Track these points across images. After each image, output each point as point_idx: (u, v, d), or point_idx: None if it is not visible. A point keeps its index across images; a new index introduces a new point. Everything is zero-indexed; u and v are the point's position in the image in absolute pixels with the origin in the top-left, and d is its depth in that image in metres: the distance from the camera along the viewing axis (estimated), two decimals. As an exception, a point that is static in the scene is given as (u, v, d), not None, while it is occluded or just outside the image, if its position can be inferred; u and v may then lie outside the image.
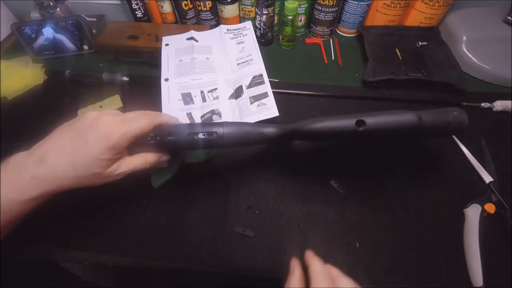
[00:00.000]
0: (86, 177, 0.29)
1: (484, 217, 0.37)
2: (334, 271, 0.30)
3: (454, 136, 0.46)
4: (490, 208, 0.37)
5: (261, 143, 0.37)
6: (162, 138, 0.33)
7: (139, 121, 0.31)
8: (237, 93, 0.49)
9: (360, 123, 0.31)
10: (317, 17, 0.61)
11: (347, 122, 0.32)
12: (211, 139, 0.33)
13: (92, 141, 0.28)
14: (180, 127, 0.34)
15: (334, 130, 0.33)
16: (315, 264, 0.31)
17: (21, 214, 0.30)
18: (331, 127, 0.33)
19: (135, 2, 0.62)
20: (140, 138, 0.31)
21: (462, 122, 0.35)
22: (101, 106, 0.52)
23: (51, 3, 0.61)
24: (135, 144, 0.31)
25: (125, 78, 0.54)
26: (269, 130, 0.36)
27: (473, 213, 0.37)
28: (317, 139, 0.40)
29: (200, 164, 0.40)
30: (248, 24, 0.60)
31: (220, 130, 0.33)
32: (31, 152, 0.30)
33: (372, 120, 0.31)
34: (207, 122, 0.46)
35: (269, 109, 0.45)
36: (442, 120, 0.35)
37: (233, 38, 0.58)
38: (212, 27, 0.63)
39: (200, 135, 0.33)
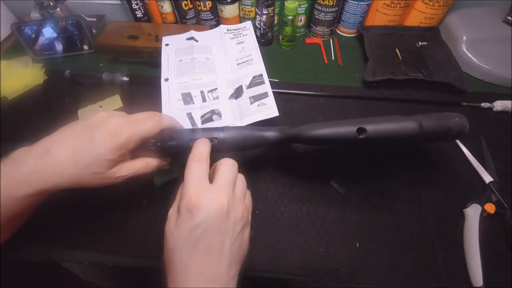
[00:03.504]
0: (85, 176, 0.29)
1: (484, 217, 0.37)
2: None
3: (454, 136, 0.46)
4: (490, 208, 0.37)
5: (261, 147, 0.37)
6: (163, 144, 0.33)
7: (147, 122, 0.31)
8: (237, 93, 0.49)
9: (360, 130, 0.31)
10: (317, 17, 0.61)
11: (348, 130, 0.32)
12: (212, 145, 0.33)
13: (98, 140, 0.28)
14: (181, 133, 0.34)
15: (334, 137, 0.33)
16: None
17: (19, 212, 0.29)
18: (331, 134, 0.33)
19: (135, 2, 0.62)
20: (146, 140, 0.31)
21: (463, 128, 0.36)
22: (101, 106, 0.52)
23: (51, 3, 0.61)
24: (138, 148, 0.31)
25: (125, 78, 0.54)
26: (270, 134, 0.36)
27: (473, 213, 0.37)
28: (318, 145, 0.41)
29: None
30: (248, 24, 0.60)
31: (220, 135, 0.33)
32: (33, 146, 0.29)
33: (372, 127, 0.31)
34: (207, 124, 0.46)
35: (269, 109, 0.45)
36: (443, 126, 0.35)
37: (233, 38, 0.58)
38: (212, 27, 0.63)
39: None
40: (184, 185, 0.26)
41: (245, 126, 0.37)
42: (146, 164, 0.32)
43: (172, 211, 0.27)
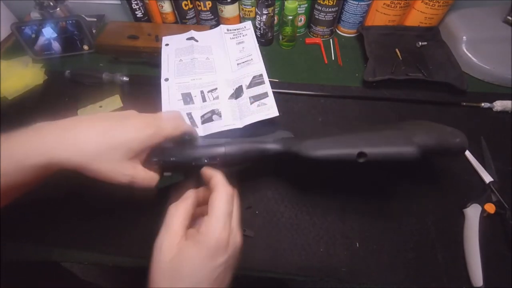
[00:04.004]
0: (100, 160, 0.28)
1: (484, 217, 0.37)
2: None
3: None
4: (490, 208, 0.37)
5: (262, 159, 0.37)
6: (165, 161, 0.33)
7: (170, 123, 0.32)
8: (237, 93, 0.49)
9: (361, 155, 0.32)
10: (317, 17, 0.61)
11: (349, 152, 0.33)
12: (213, 164, 0.33)
13: (129, 127, 0.29)
14: (182, 149, 0.34)
15: (335, 159, 0.34)
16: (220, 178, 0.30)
17: (22, 182, 0.28)
18: (332, 155, 0.34)
19: (135, 2, 0.62)
20: (169, 139, 0.32)
21: (461, 149, 0.36)
22: (101, 106, 0.52)
23: (51, 3, 0.61)
24: (151, 154, 0.32)
25: (125, 78, 0.54)
26: (271, 147, 0.36)
27: (473, 213, 0.37)
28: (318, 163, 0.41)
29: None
30: (248, 24, 0.60)
31: (221, 150, 0.34)
32: (60, 120, 0.30)
33: (372, 151, 0.32)
34: (207, 124, 0.46)
35: (269, 109, 0.45)
36: (443, 146, 0.36)
37: (233, 38, 0.58)
38: (212, 27, 0.63)
39: (204, 160, 0.33)
40: (209, 220, 0.27)
41: (247, 139, 0.37)
42: (151, 177, 0.32)
43: (173, 242, 0.27)
